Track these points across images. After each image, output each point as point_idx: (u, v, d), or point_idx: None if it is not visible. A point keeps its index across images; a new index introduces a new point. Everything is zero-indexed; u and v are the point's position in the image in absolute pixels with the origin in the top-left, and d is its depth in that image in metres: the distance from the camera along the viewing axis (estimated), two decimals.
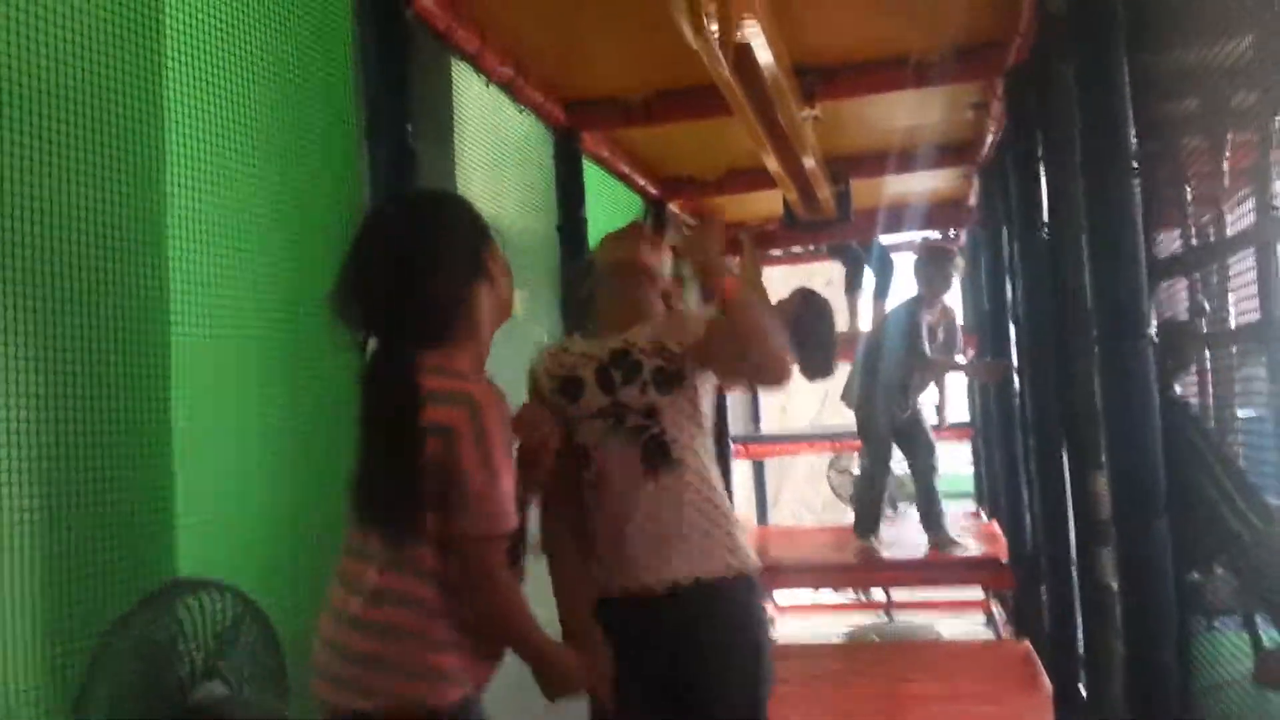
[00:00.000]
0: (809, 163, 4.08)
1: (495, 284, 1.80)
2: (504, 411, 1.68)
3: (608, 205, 4.47)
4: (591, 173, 4.05)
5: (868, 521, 4.84)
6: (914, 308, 4.83)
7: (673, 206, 5.23)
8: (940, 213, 5.73)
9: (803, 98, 3.49)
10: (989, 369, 4.88)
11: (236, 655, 1.79)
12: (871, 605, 7.09)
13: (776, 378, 2.10)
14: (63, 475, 1.67)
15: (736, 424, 6.09)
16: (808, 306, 3.90)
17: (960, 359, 5.07)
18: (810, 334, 3.76)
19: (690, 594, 2.09)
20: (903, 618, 6.70)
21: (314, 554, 2.17)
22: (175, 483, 1.92)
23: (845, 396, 5.09)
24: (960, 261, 4.91)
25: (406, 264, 1.70)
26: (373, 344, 1.73)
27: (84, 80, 1.75)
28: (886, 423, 4.77)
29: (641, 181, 4.73)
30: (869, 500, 4.90)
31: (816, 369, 3.86)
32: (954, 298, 5.16)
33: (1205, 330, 2.02)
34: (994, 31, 3.26)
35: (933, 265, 4.76)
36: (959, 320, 5.08)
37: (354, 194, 2.42)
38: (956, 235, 6.40)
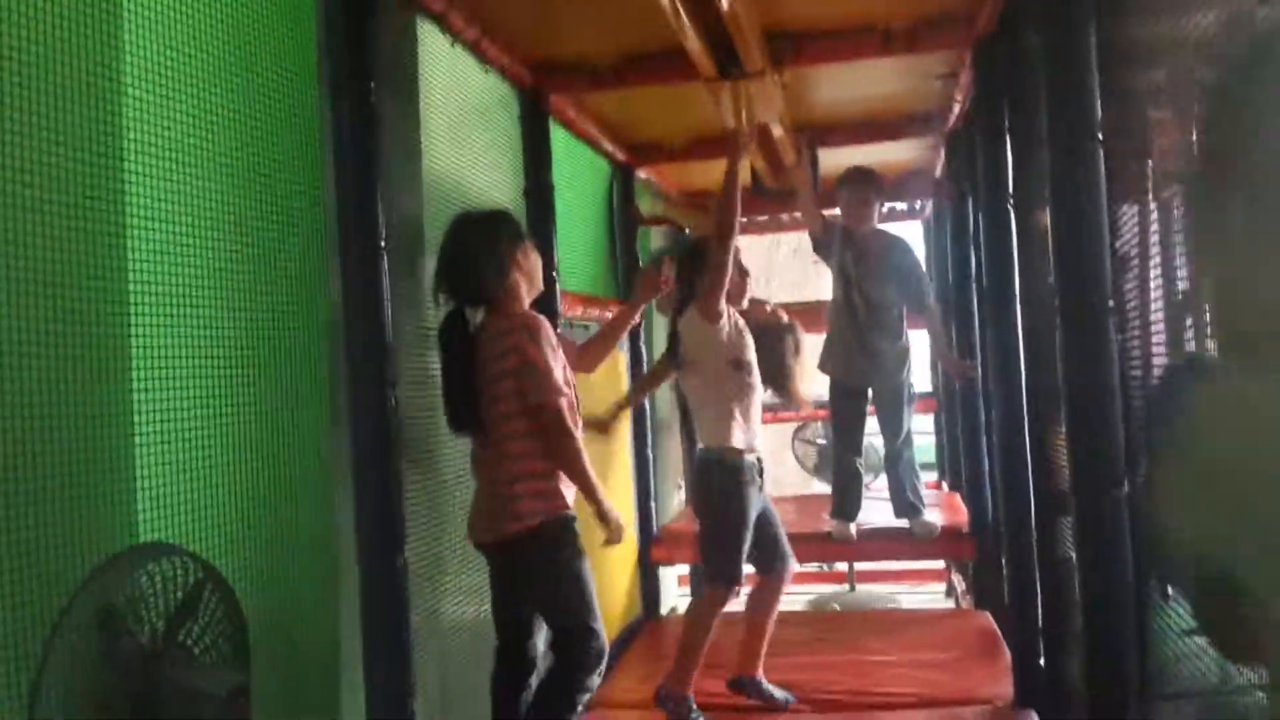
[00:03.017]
0: (777, 130, 4.07)
1: (524, 266, 2.69)
2: (547, 327, 2.60)
3: (574, 169, 4.44)
4: (558, 136, 4.00)
5: (843, 505, 4.55)
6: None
7: (640, 172, 5.19)
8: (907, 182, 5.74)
9: (771, 63, 3.47)
10: (955, 365, 4.53)
11: (198, 623, 1.77)
12: (834, 576, 7.15)
13: None
14: (16, 438, 1.64)
15: None
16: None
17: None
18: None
19: None
20: (864, 587, 6.76)
21: (276, 521, 2.16)
22: (135, 447, 1.89)
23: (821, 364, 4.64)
24: (879, 183, 4.42)
25: (463, 254, 2.61)
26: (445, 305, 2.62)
27: (38, 40, 1.70)
28: (841, 387, 4.48)
29: (609, 146, 4.69)
30: (839, 483, 4.61)
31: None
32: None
33: None
34: (962, 2, 3.25)
35: (845, 185, 4.36)
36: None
37: (315, 152, 2.38)
38: (923, 206, 6.42)
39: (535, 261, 2.76)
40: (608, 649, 2.61)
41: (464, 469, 2.80)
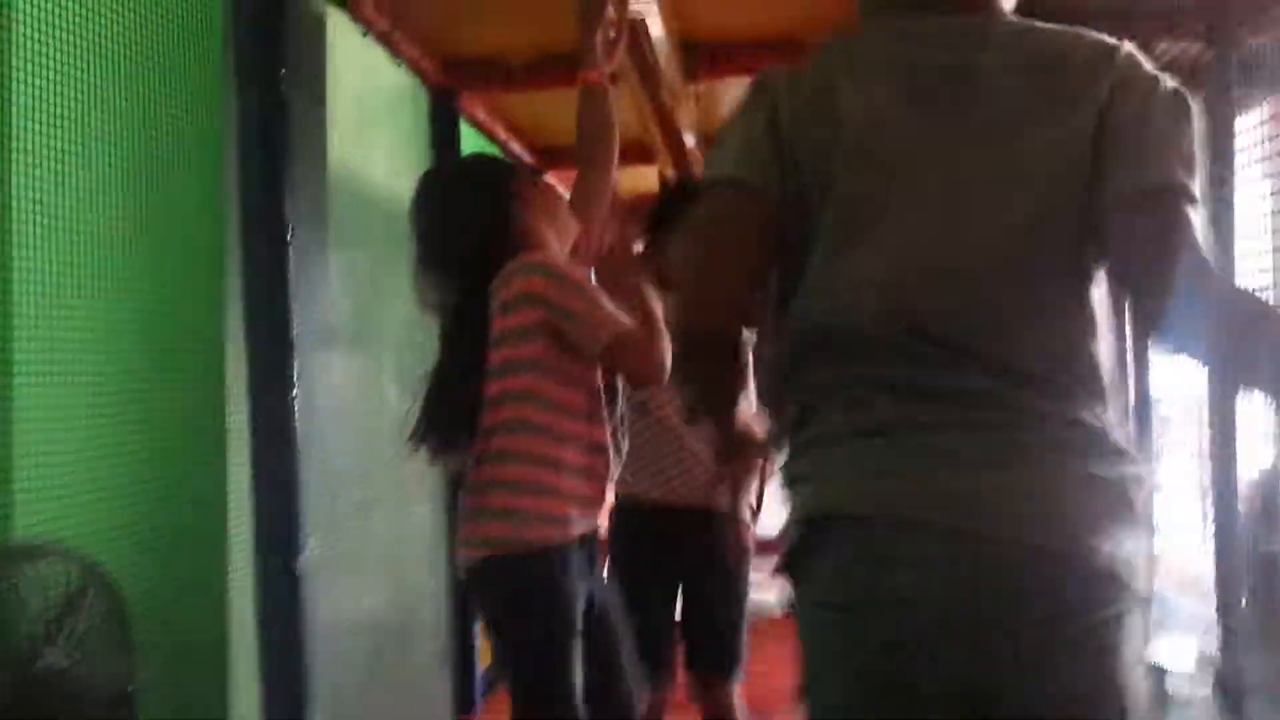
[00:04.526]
0: (689, 139, 4.09)
1: (537, 202, 2.01)
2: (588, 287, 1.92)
3: None
4: (469, 138, 3.95)
5: None
6: None
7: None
8: None
9: (686, 74, 3.49)
10: None
11: (80, 624, 1.69)
12: None
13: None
14: None
15: None
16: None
17: None
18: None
19: None
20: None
21: (163, 514, 2.07)
22: (13, 439, 1.78)
23: None
24: None
25: (447, 214, 2.01)
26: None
27: None
28: None
29: (518, 149, 4.65)
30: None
31: None
32: None
33: None
34: None
35: None
36: None
37: (218, 142, 2.28)
38: None
39: (553, 197, 2.08)
40: None
41: (363, 471, 2.73)
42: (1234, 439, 2.77)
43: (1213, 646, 2.68)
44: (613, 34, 2.23)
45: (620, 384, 2.04)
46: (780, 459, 1.31)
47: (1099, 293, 1.20)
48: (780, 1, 3.20)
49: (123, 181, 2.04)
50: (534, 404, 1.89)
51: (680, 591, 2.59)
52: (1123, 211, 1.13)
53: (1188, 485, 3.25)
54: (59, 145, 1.87)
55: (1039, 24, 1.24)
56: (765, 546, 3.03)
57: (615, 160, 2.18)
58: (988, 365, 1.15)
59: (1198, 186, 1.14)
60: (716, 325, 1.29)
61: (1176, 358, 1.68)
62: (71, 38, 1.90)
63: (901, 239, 1.19)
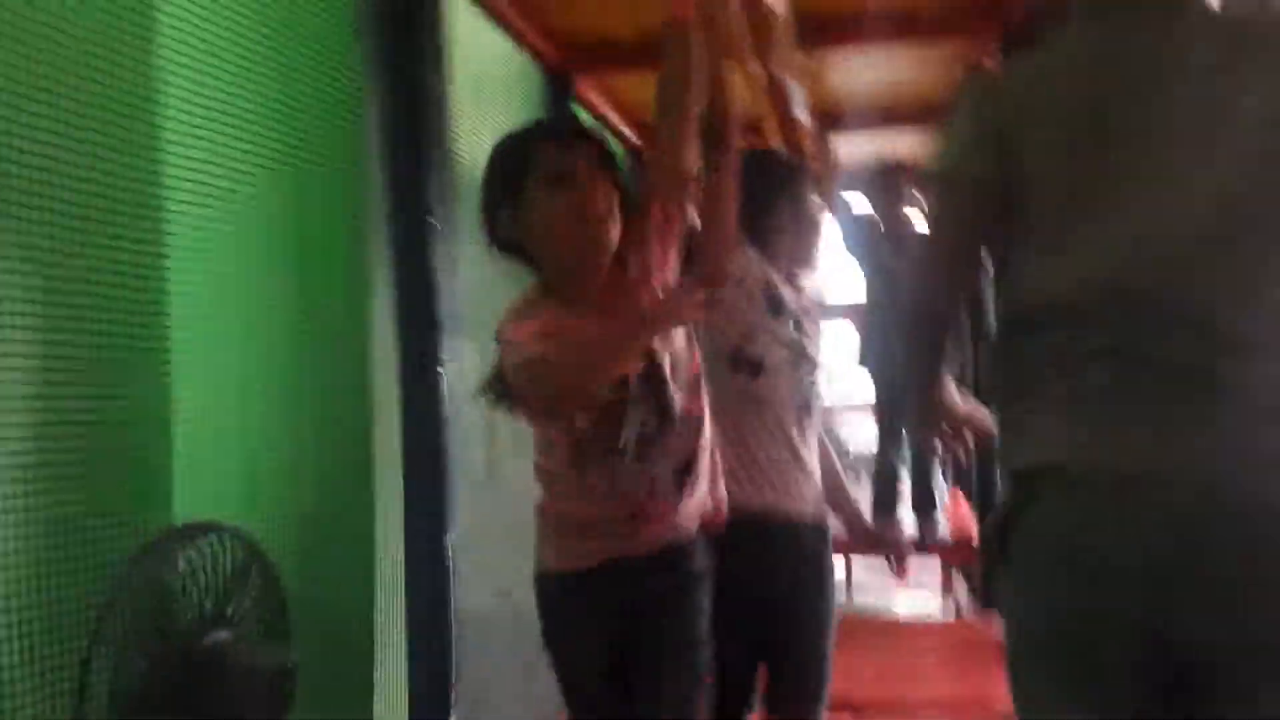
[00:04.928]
0: (801, 114, 4.03)
1: (529, 215, 1.74)
2: (522, 326, 1.68)
3: None
4: (580, 118, 3.94)
5: (884, 500, 4.46)
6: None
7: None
8: None
9: (801, 44, 3.43)
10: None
11: (243, 601, 1.74)
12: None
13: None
14: (49, 414, 1.57)
15: None
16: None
17: None
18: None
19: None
20: (860, 595, 6.59)
21: (318, 495, 2.12)
22: (171, 426, 1.83)
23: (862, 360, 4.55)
24: (909, 174, 4.29)
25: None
26: None
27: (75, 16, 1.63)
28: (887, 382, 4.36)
29: (629, 133, 4.63)
30: (884, 478, 4.51)
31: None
32: None
33: None
34: None
35: (877, 182, 4.30)
36: None
37: (357, 131, 2.29)
38: None
39: (548, 209, 1.73)
40: None
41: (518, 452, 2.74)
42: None
43: None
44: None
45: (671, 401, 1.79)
46: (991, 429, 1.50)
47: None
48: None
49: (269, 177, 2.08)
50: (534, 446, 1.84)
51: (762, 613, 2.16)
52: None
53: None
54: (208, 146, 1.91)
55: (1230, 10, 1.35)
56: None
57: (690, 108, 1.88)
58: (1200, 332, 1.23)
59: None
60: (941, 307, 1.46)
61: None
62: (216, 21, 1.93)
63: (1115, 218, 1.29)
